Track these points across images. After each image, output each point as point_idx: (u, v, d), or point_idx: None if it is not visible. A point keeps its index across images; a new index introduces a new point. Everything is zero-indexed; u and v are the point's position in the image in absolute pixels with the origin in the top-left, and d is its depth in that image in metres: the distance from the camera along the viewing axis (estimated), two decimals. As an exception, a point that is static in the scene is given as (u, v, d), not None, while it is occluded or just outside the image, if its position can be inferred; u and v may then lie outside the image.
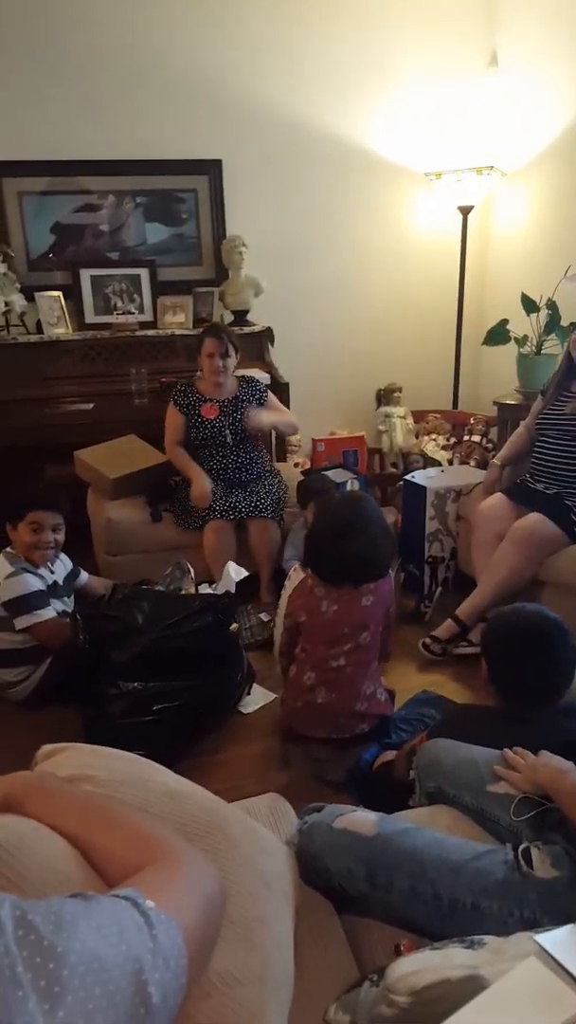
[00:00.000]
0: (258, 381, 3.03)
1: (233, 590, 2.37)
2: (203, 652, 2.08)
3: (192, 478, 2.79)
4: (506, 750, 1.31)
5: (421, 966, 0.78)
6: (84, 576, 2.56)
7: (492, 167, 3.49)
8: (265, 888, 0.94)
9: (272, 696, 2.30)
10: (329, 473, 2.91)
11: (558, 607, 2.23)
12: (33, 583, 2.25)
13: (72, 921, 0.52)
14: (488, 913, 1.02)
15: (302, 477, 3.00)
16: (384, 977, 0.81)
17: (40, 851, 0.78)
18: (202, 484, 2.76)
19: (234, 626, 2.21)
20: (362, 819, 1.14)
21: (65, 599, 2.40)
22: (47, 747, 1.04)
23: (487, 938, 0.85)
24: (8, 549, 2.32)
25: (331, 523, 1.95)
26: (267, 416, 2.91)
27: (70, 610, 2.37)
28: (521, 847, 1.11)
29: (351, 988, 0.98)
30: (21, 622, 2.20)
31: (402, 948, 1.04)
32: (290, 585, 1.99)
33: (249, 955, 0.82)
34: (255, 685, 2.35)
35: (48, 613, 2.23)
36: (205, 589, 2.43)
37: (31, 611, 2.21)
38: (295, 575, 1.99)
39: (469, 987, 0.73)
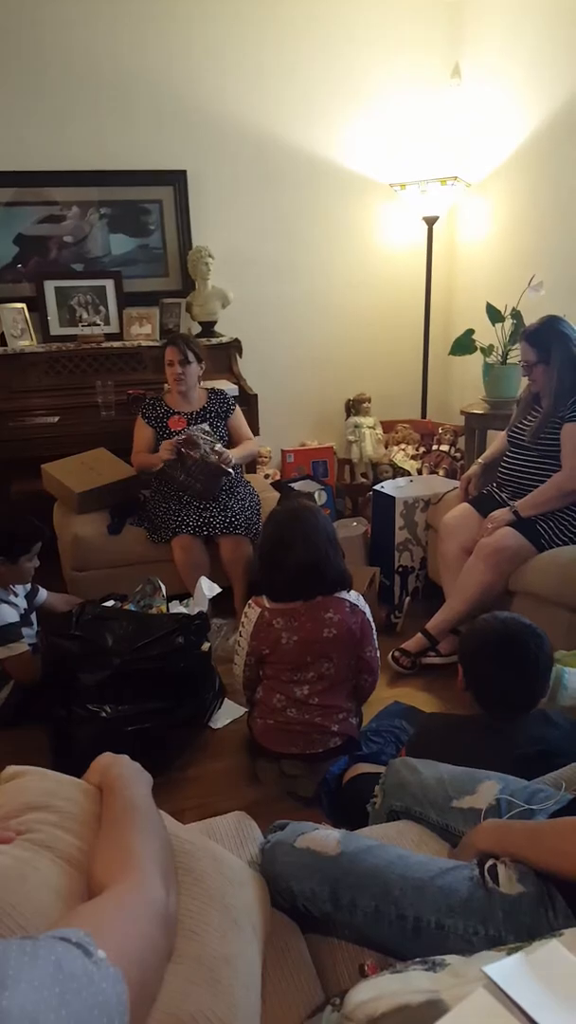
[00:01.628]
0: (226, 393, 3.02)
1: (206, 608, 2.34)
2: (175, 674, 2.05)
3: (156, 462, 2.76)
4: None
5: (379, 992, 0.76)
6: (43, 593, 2.52)
7: (456, 177, 3.53)
8: (233, 925, 0.92)
9: (242, 711, 2.27)
10: (297, 485, 2.90)
11: (529, 616, 2.24)
12: (9, 614, 2.22)
13: (15, 978, 0.51)
14: (453, 931, 1.01)
15: (272, 488, 2.99)
16: (343, 1004, 0.79)
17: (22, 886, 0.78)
18: (161, 452, 2.71)
19: (206, 646, 2.19)
20: (324, 837, 1.12)
21: (32, 623, 2.37)
22: (10, 769, 1.02)
23: (450, 958, 0.84)
24: None
25: (273, 536, 1.95)
26: (235, 454, 2.83)
27: (35, 634, 2.33)
28: (487, 864, 1.10)
29: (314, 1012, 0.96)
30: None
31: (367, 968, 1.02)
32: (248, 622, 1.95)
33: (215, 998, 0.81)
34: (225, 700, 2.32)
35: (21, 647, 2.20)
36: (177, 606, 2.40)
37: (5, 643, 2.18)
38: (251, 612, 1.95)
39: (429, 1012, 0.72)
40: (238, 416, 2.99)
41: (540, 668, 1.54)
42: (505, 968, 0.60)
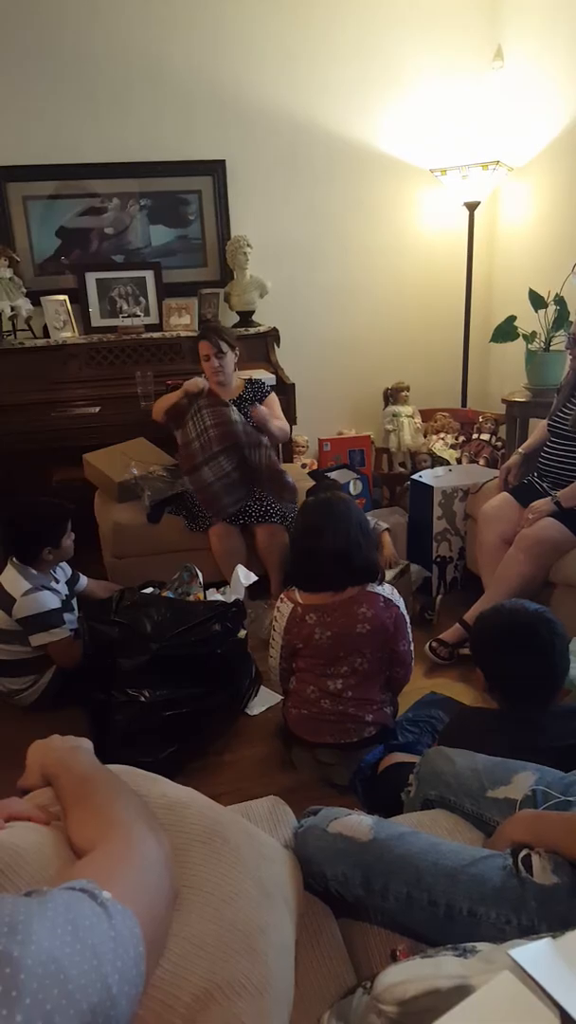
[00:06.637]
0: (263, 382, 3.03)
1: (243, 595, 2.36)
2: (212, 660, 2.08)
3: (176, 394, 2.77)
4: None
5: (409, 975, 0.76)
6: (84, 580, 2.58)
7: (498, 162, 3.46)
8: (266, 897, 0.93)
9: (278, 698, 2.29)
10: (333, 474, 2.89)
11: (570, 608, 2.21)
12: (51, 601, 2.26)
13: (27, 922, 0.52)
14: (485, 920, 1.00)
15: (308, 478, 2.99)
16: (373, 986, 0.80)
17: (35, 860, 0.79)
18: (187, 384, 2.73)
19: (242, 633, 2.21)
20: (357, 823, 1.12)
21: (73, 609, 2.42)
22: None
23: (480, 945, 0.84)
24: (13, 560, 2.32)
25: (304, 524, 1.96)
26: (263, 412, 2.83)
27: (76, 619, 2.38)
28: (522, 853, 1.09)
29: (346, 995, 0.96)
30: (37, 639, 2.22)
31: (398, 954, 1.03)
32: (280, 617, 1.95)
33: (252, 966, 0.82)
34: (261, 687, 2.34)
35: (63, 632, 2.25)
36: (214, 594, 2.43)
37: (48, 629, 2.22)
38: (284, 607, 1.95)
39: (458, 997, 0.72)
40: (271, 401, 2.97)
41: (557, 652, 1.51)
42: (531, 952, 0.59)
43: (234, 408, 2.71)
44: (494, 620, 1.59)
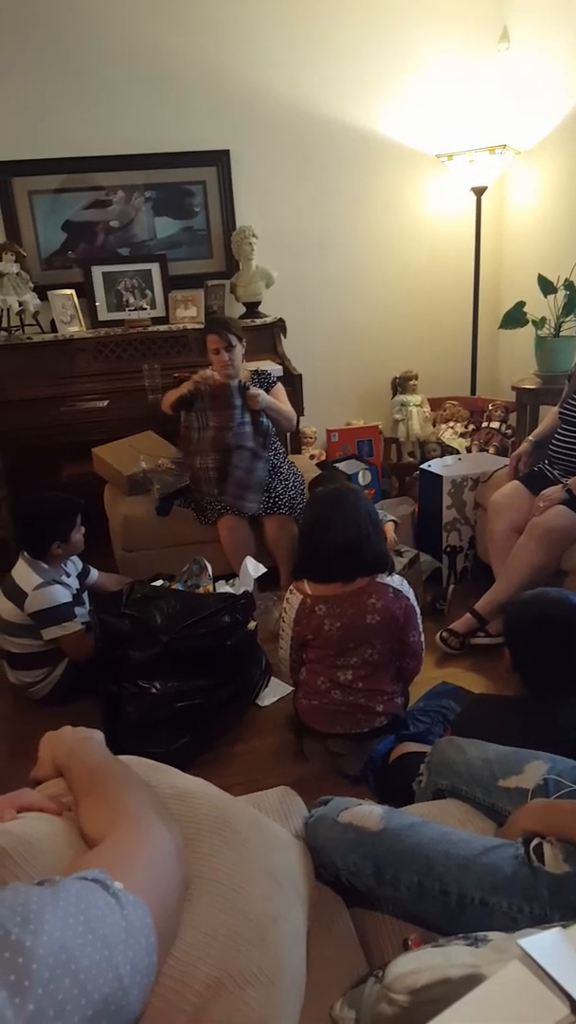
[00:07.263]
0: (269, 373, 3.02)
1: (251, 587, 2.37)
2: (222, 652, 2.09)
3: (184, 386, 2.76)
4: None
5: (420, 965, 0.76)
6: (94, 574, 2.59)
7: (505, 146, 3.42)
8: (277, 888, 0.93)
9: (289, 689, 2.29)
10: (341, 465, 2.88)
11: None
12: (62, 595, 2.27)
13: (39, 912, 0.52)
14: (497, 909, 1.00)
15: (317, 469, 2.98)
16: (384, 975, 0.80)
17: (47, 850, 0.79)
18: (197, 376, 2.72)
19: (252, 625, 2.21)
20: (367, 813, 1.12)
21: (84, 603, 2.43)
22: None
23: (492, 935, 0.84)
24: (24, 555, 2.33)
25: (313, 515, 1.96)
26: (265, 397, 2.82)
27: (87, 612, 2.39)
28: (533, 842, 1.09)
29: (358, 983, 0.97)
30: (49, 633, 2.23)
31: (411, 943, 1.03)
32: (290, 608, 1.95)
33: (263, 956, 0.82)
34: (272, 678, 2.35)
35: (75, 625, 2.26)
36: (223, 586, 2.43)
37: (59, 623, 2.24)
38: (293, 598, 1.95)
39: (469, 986, 0.72)
40: (278, 390, 2.96)
41: None
42: (541, 941, 0.59)
43: (237, 410, 2.70)
44: (533, 608, 1.58)
